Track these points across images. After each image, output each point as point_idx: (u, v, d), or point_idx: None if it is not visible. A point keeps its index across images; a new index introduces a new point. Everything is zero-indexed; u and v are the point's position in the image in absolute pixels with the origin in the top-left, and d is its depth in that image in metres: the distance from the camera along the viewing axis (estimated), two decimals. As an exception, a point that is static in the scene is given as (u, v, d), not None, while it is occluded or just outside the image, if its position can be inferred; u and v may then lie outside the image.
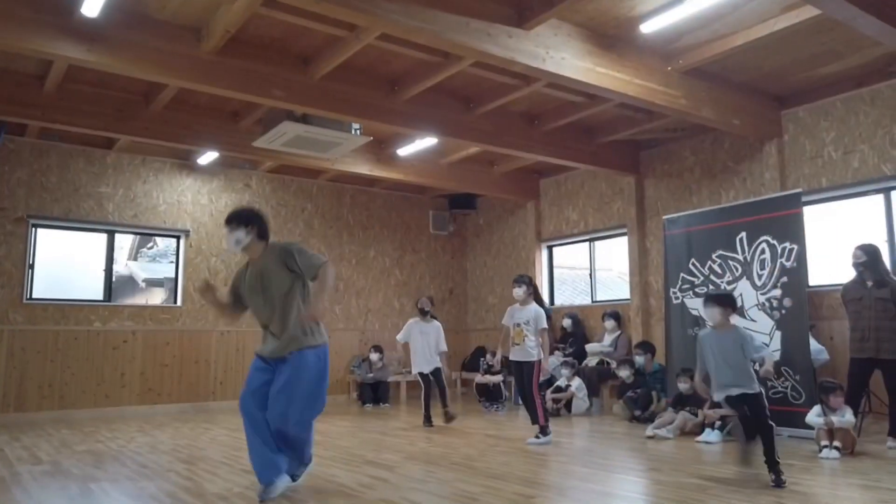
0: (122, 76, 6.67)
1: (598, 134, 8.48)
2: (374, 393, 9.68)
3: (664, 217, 7.77)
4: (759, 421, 4.32)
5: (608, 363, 8.60)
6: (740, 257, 6.76)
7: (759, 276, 6.56)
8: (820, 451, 5.10)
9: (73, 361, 8.33)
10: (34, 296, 8.30)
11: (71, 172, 8.59)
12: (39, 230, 8.43)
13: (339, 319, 10.52)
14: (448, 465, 4.71)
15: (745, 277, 6.70)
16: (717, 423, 5.96)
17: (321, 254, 4.08)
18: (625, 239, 9.18)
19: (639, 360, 7.81)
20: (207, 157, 8.93)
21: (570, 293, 11.52)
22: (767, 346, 4.84)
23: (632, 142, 8.89)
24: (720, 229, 7.01)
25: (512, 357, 6.16)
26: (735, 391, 4.43)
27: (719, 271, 6.94)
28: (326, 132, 7.16)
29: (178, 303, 9.23)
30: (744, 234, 6.75)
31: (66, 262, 8.63)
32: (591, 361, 8.81)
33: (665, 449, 5.41)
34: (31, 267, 8.31)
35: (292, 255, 4.04)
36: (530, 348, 5.97)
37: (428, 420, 7.19)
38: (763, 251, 6.58)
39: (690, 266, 7.23)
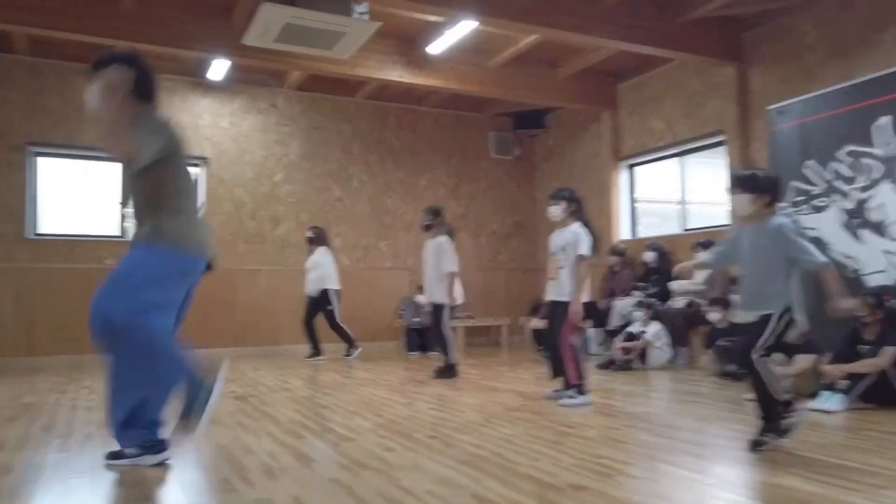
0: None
1: (683, 8, 6.51)
2: (422, 340, 8.42)
3: (769, 108, 5.80)
4: (742, 347, 3.04)
5: (699, 305, 6.81)
6: (880, 152, 4.77)
7: (911, 177, 4.57)
8: None
9: (87, 302, 7.57)
10: (39, 231, 7.60)
11: (72, 93, 7.68)
12: (41, 159, 7.67)
13: (386, 257, 9.27)
14: (421, 441, 3.31)
15: (888, 180, 4.72)
16: (844, 384, 4.18)
17: (153, 146, 2.78)
18: (723, 150, 7.21)
19: (736, 299, 5.98)
20: (217, 71, 7.77)
21: (656, 224, 9.65)
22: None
23: (730, 19, 6.82)
24: (849, 116, 5.02)
25: (547, 296, 4.64)
26: (749, 315, 3.11)
27: (849, 174, 4.98)
28: (321, 16, 5.74)
29: (201, 239, 8.28)
30: (887, 118, 4.75)
31: (75, 194, 7.85)
32: (678, 302, 7.05)
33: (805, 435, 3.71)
34: (35, 199, 7.59)
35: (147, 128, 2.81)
36: (567, 284, 4.42)
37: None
38: (917, 140, 4.56)
39: (806, 170, 5.29)
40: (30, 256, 7.42)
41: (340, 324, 7.55)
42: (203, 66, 7.85)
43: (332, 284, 7.54)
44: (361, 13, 5.86)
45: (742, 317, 3.18)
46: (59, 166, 7.78)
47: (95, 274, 7.46)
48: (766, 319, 2.99)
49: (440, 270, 5.96)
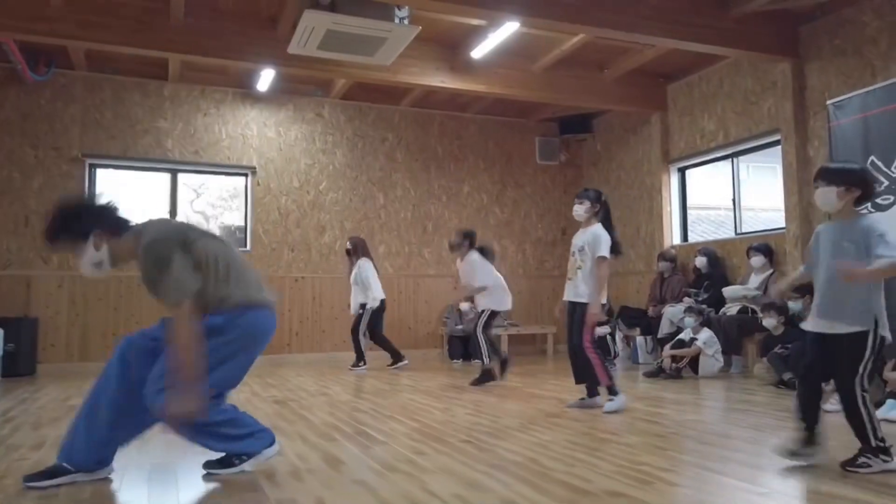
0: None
1: (735, 2, 6.26)
2: (465, 347, 8.31)
3: (828, 102, 5.51)
4: (840, 383, 2.72)
5: (754, 311, 6.50)
6: (951, 144, 4.46)
7: (985, 170, 4.25)
8: None
9: (138, 310, 7.78)
10: (95, 240, 7.83)
11: (126, 107, 7.96)
12: (98, 170, 7.92)
13: (430, 264, 9.22)
14: (454, 445, 3.21)
15: (959, 174, 4.40)
16: (908, 393, 3.89)
17: (182, 283, 2.51)
18: (777, 151, 6.89)
19: (793, 305, 5.67)
20: (265, 81, 7.90)
21: (709, 228, 9.35)
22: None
23: (786, 13, 6.54)
24: (917, 107, 4.71)
25: (564, 296, 4.50)
26: (827, 325, 2.75)
27: (915, 169, 4.67)
28: (362, 22, 5.73)
29: (248, 247, 8.40)
30: (958, 108, 4.43)
31: (128, 205, 8.04)
32: (731, 309, 6.75)
33: (835, 436, 3.46)
34: (91, 210, 7.82)
35: (146, 269, 2.55)
36: (584, 284, 4.28)
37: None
38: None
39: (868, 167, 4.98)
40: (85, 264, 7.64)
41: (361, 337, 7.34)
42: (251, 77, 7.99)
43: (369, 299, 7.32)
44: (402, 18, 5.84)
45: (817, 325, 2.81)
46: (112, 177, 8.02)
47: (146, 281, 7.76)
48: (856, 337, 2.68)
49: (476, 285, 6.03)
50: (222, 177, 8.56)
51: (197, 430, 2.61)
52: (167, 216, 8.11)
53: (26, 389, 5.66)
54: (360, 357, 7.35)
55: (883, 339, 2.70)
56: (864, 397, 2.69)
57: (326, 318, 8.56)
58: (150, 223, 2.72)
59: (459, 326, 8.38)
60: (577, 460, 2.86)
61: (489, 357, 5.91)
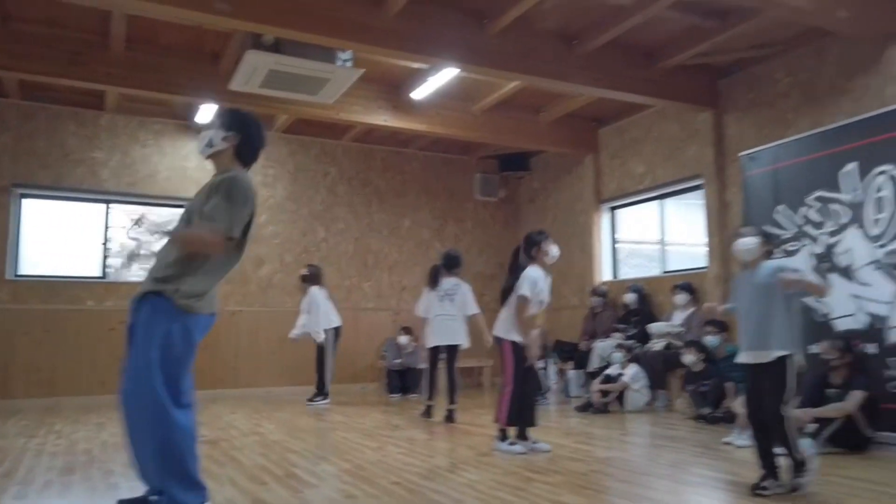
0: (75, 12, 5.76)
1: (660, 56, 6.66)
2: (403, 382, 8.37)
3: (740, 154, 5.91)
4: (770, 404, 3.15)
5: (677, 347, 6.81)
6: (847, 198, 4.85)
7: (876, 223, 4.65)
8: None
9: (64, 344, 7.54)
10: (21, 272, 7.60)
11: (60, 136, 7.80)
12: (25, 200, 7.71)
13: (370, 298, 9.27)
14: (384, 487, 3.28)
15: (854, 225, 4.79)
16: (812, 427, 4.18)
17: (236, 223, 2.86)
18: (701, 194, 7.31)
19: (711, 341, 5.99)
20: (205, 115, 7.87)
21: (642, 265, 9.71)
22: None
23: (706, 67, 6.99)
24: (820, 161, 5.11)
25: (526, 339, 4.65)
26: (754, 356, 3.23)
27: (818, 219, 5.05)
28: (305, 64, 5.85)
29: (184, 279, 8.27)
30: (853, 165, 4.84)
31: (57, 236, 7.87)
32: (657, 345, 7.05)
33: (742, 472, 3.70)
34: (17, 240, 7.60)
35: (217, 191, 2.90)
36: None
37: (428, 411, 5.91)
38: (881, 188, 4.66)
39: (777, 215, 5.36)
40: (9, 297, 7.39)
41: (326, 369, 7.42)
42: (191, 110, 7.97)
43: (325, 324, 7.40)
44: (345, 60, 5.99)
45: (747, 357, 3.27)
46: (43, 207, 7.82)
47: (74, 316, 7.56)
48: (779, 363, 3.13)
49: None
50: (162, 208, 8.43)
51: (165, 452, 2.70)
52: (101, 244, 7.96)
53: (-58, 430, 5.43)
54: (321, 390, 7.37)
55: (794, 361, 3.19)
56: (789, 420, 3.13)
57: (263, 353, 8.48)
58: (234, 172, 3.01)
59: (398, 360, 8.44)
60: (501, 501, 2.98)
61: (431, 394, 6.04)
